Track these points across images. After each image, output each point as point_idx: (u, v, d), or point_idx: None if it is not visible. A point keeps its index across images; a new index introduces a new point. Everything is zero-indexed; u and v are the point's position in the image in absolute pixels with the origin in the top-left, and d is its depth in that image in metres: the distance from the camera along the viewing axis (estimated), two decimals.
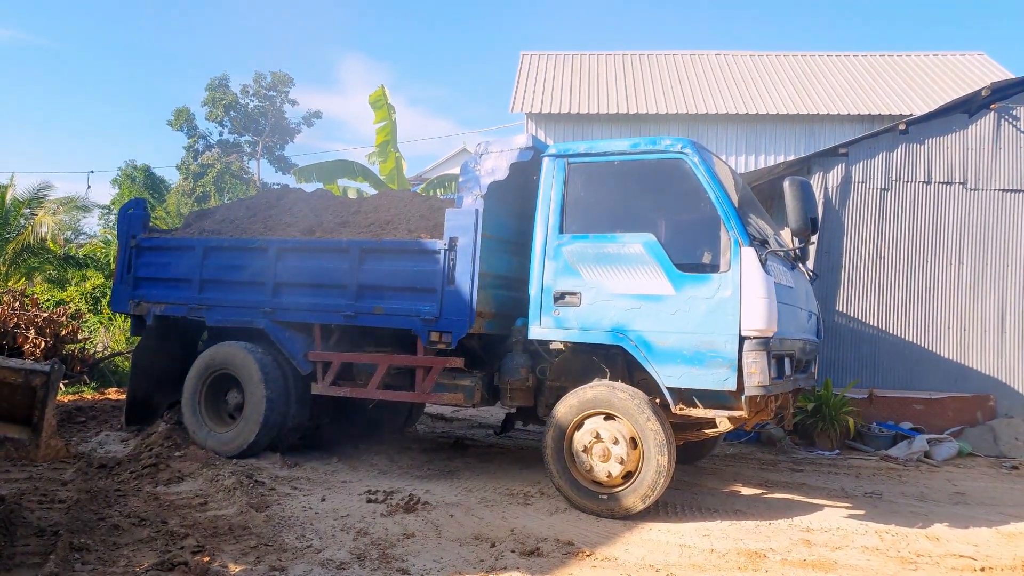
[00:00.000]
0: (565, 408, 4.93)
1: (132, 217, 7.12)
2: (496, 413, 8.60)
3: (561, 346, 5.36)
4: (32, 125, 67.92)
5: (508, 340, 5.59)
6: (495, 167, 5.38)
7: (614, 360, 5.16)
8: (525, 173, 5.58)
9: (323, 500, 4.92)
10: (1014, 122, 8.42)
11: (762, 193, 8.22)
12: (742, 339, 4.47)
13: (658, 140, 5.05)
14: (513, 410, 5.88)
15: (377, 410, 7.23)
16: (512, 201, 5.72)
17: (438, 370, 5.57)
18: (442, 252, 5.42)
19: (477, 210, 5.32)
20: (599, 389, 4.87)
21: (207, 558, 3.67)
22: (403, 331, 5.71)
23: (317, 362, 6.04)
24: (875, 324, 8.42)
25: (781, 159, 12.85)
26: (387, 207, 6.49)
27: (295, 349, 6.07)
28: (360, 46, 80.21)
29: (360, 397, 6.00)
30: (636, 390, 4.82)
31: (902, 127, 8.53)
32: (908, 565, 4.07)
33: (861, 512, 5.22)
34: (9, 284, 14.09)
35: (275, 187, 19.63)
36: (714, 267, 4.62)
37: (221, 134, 34.71)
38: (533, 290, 5.15)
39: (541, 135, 14.03)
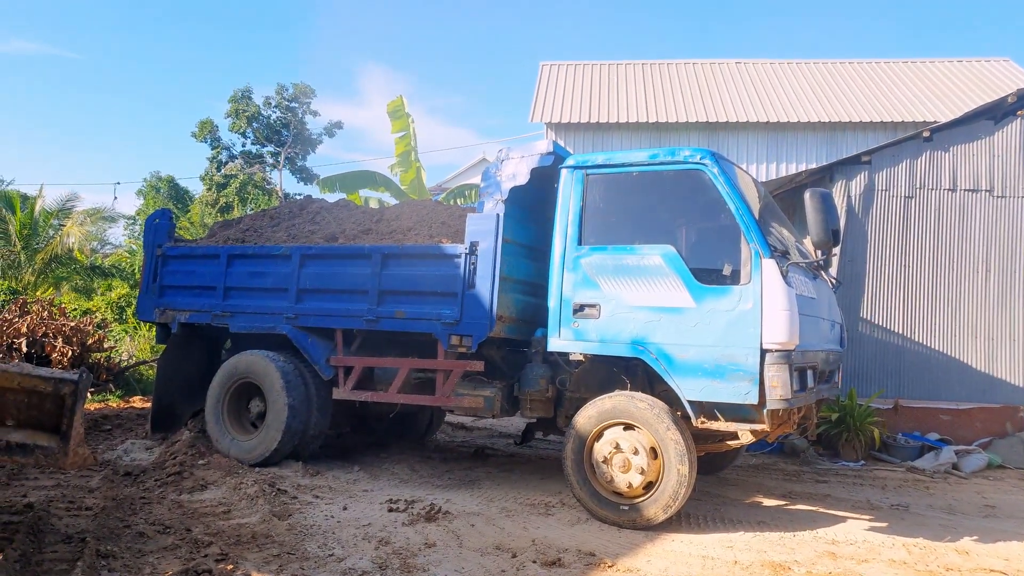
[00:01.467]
0: (584, 419, 4.92)
1: (158, 227, 7.26)
2: (516, 423, 8.60)
3: (581, 357, 5.35)
4: (60, 137, 69.39)
5: (528, 350, 5.60)
6: (516, 172, 5.42)
7: (634, 372, 5.15)
8: (546, 180, 5.60)
9: (345, 509, 4.96)
10: None
11: (784, 202, 8.16)
12: (763, 352, 4.43)
13: (677, 151, 5.04)
14: (533, 420, 5.88)
15: (398, 419, 7.27)
16: (533, 208, 5.76)
17: (458, 374, 5.61)
18: (463, 256, 5.46)
19: (498, 215, 5.36)
20: (618, 399, 4.86)
21: (231, 566, 3.71)
22: (424, 336, 5.76)
23: (339, 367, 6.11)
24: (900, 333, 8.30)
25: (803, 167, 12.74)
26: (408, 215, 6.57)
27: (317, 354, 6.14)
28: (380, 57, 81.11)
29: (381, 401, 6.04)
30: (655, 400, 4.80)
31: (926, 134, 8.43)
32: None
33: (887, 525, 5.14)
34: (38, 294, 14.39)
35: (298, 197, 19.84)
36: (735, 279, 4.59)
37: (244, 145, 35.16)
38: (552, 302, 5.16)
39: (561, 144, 14.04)
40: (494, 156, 5.68)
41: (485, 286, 5.34)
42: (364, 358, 6.08)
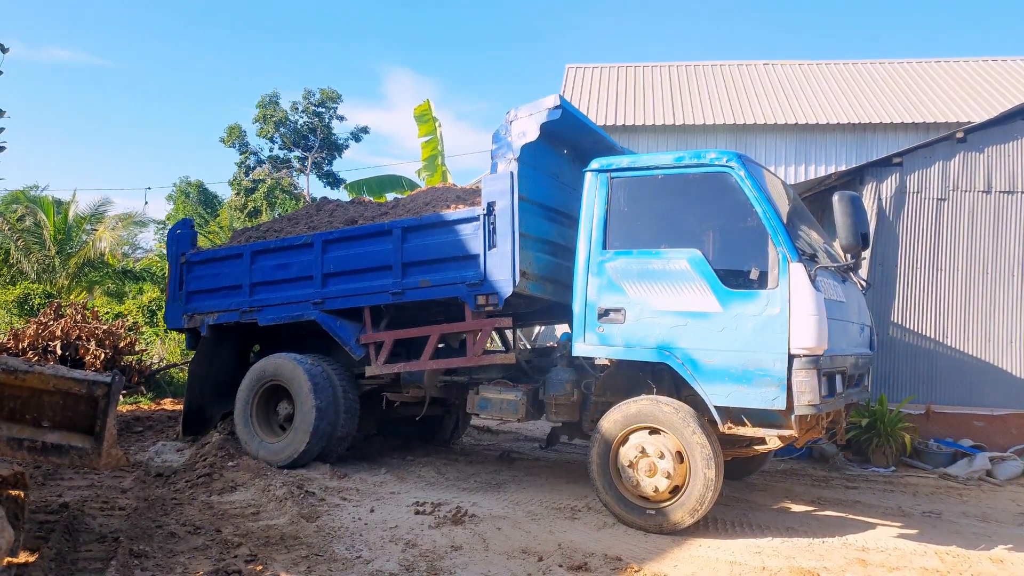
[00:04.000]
0: (610, 423, 4.90)
1: (180, 237, 7.47)
2: (542, 426, 8.59)
3: (606, 362, 5.34)
4: (93, 143, 70.94)
5: (553, 354, 5.61)
6: (525, 130, 5.43)
7: (660, 376, 5.12)
8: (557, 142, 5.68)
9: (372, 511, 5.00)
10: None
11: (814, 204, 8.05)
12: (791, 357, 4.37)
13: (703, 153, 5.01)
14: (558, 424, 5.88)
15: (424, 422, 7.31)
16: (547, 170, 5.82)
17: (488, 332, 5.67)
18: (481, 218, 5.52)
19: (512, 172, 5.39)
20: (643, 403, 4.84)
21: (260, 567, 3.77)
22: (450, 302, 5.83)
23: (369, 344, 6.18)
24: (932, 337, 8.15)
25: (832, 169, 12.57)
26: (423, 197, 6.69)
27: (347, 335, 6.24)
28: (407, 61, 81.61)
29: (414, 370, 6.10)
30: (681, 403, 4.77)
31: (960, 135, 8.27)
32: None
33: (919, 532, 5.05)
34: (71, 297, 14.71)
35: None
36: (762, 283, 4.53)
37: (271, 150, 35.68)
38: (577, 307, 5.15)
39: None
40: (504, 117, 5.67)
41: (506, 244, 5.40)
42: (393, 331, 6.15)
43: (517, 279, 5.34)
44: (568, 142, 6.13)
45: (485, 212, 5.48)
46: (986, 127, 8.35)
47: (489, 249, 5.48)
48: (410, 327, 6.19)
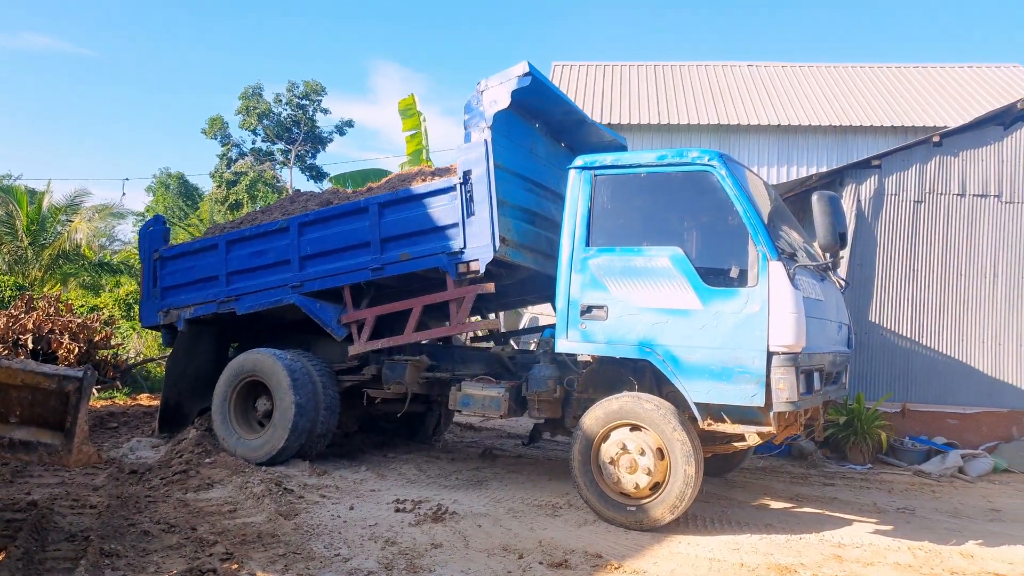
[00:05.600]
0: (591, 419, 4.91)
1: (153, 234, 7.39)
2: (524, 423, 8.59)
3: (588, 358, 5.35)
4: (69, 132, 69.76)
5: (536, 351, 5.61)
6: (496, 98, 5.45)
7: (642, 373, 5.14)
8: (529, 115, 5.75)
9: (351, 509, 4.96)
10: None
11: (795, 205, 8.13)
12: (770, 355, 4.41)
13: (685, 152, 5.03)
14: (541, 421, 5.88)
15: (406, 419, 7.28)
16: (520, 141, 5.86)
17: (471, 299, 5.66)
18: (458, 187, 5.53)
19: (486, 140, 5.41)
20: (625, 400, 4.85)
21: (236, 565, 3.72)
22: (432, 275, 5.84)
23: (351, 324, 6.16)
24: (909, 337, 8.27)
25: (814, 170, 12.70)
26: (397, 180, 6.69)
27: (328, 317, 6.23)
28: (394, 55, 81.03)
29: (398, 344, 6.10)
30: (662, 400, 4.79)
31: (936, 139, 8.39)
32: None
33: (893, 528, 5.12)
34: (44, 290, 14.44)
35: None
36: (742, 281, 4.57)
37: (254, 142, 35.35)
38: (560, 303, 5.15)
39: None
40: (475, 87, 5.67)
41: (484, 211, 5.41)
42: (375, 308, 6.13)
43: (497, 245, 5.36)
44: (540, 115, 6.17)
45: (461, 181, 5.49)
46: (961, 132, 8.49)
47: (468, 217, 5.49)
48: (392, 303, 6.18)
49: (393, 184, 6.46)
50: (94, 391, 9.28)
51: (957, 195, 8.32)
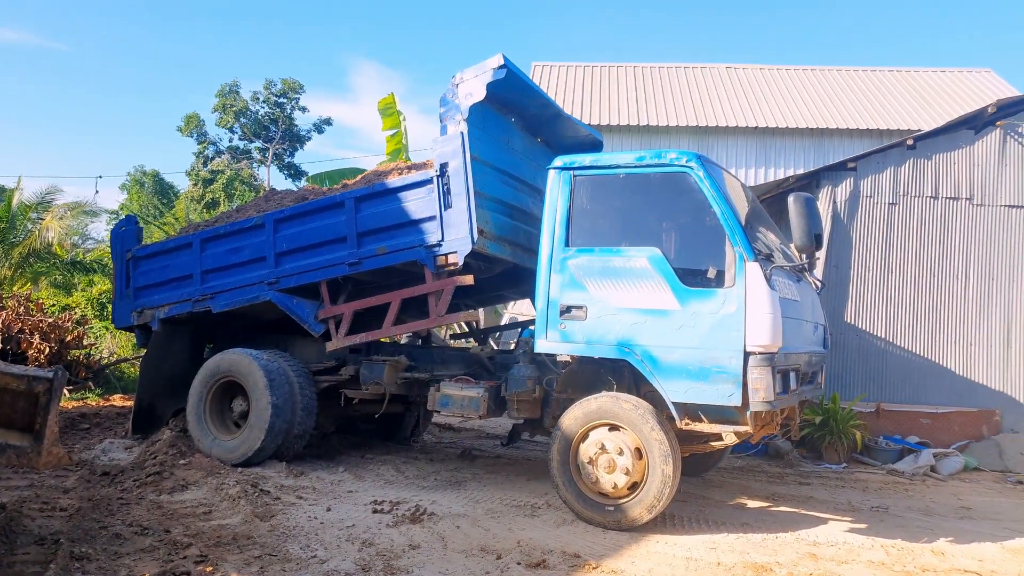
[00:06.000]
0: (570, 419, 4.92)
1: (125, 234, 7.30)
2: (503, 424, 8.58)
3: (568, 358, 5.35)
4: (41, 128, 68.48)
5: (515, 351, 5.61)
6: (472, 91, 5.44)
7: (621, 373, 5.15)
8: (505, 109, 5.79)
9: (328, 510, 4.92)
10: (1019, 139, 8.41)
11: (772, 207, 8.21)
12: (747, 355, 4.45)
13: (663, 153, 5.05)
14: (520, 421, 5.88)
15: (384, 420, 7.24)
16: (496, 135, 5.86)
17: (450, 290, 5.63)
18: (435, 180, 5.50)
19: (462, 133, 5.40)
20: (603, 400, 4.86)
21: (210, 568, 3.67)
22: (410, 269, 5.82)
23: (329, 319, 6.11)
24: (883, 338, 8.39)
25: (791, 172, 12.85)
26: (375, 173, 6.67)
27: (305, 313, 6.16)
28: (373, 54, 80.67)
29: (377, 339, 6.08)
30: (640, 400, 4.81)
31: (910, 142, 8.52)
32: None
33: (867, 526, 5.19)
34: (14, 289, 14.15)
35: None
36: (719, 282, 4.60)
37: (231, 140, 34.97)
38: (539, 303, 5.15)
39: None
40: (451, 81, 5.66)
41: (461, 203, 5.39)
42: (352, 303, 6.08)
43: (475, 236, 5.35)
44: (515, 109, 6.18)
45: (438, 174, 5.47)
46: (933, 135, 8.63)
47: (445, 210, 5.47)
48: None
49: (369, 179, 6.42)
50: (65, 392, 9.10)
51: (930, 197, 8.46)
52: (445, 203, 5.46)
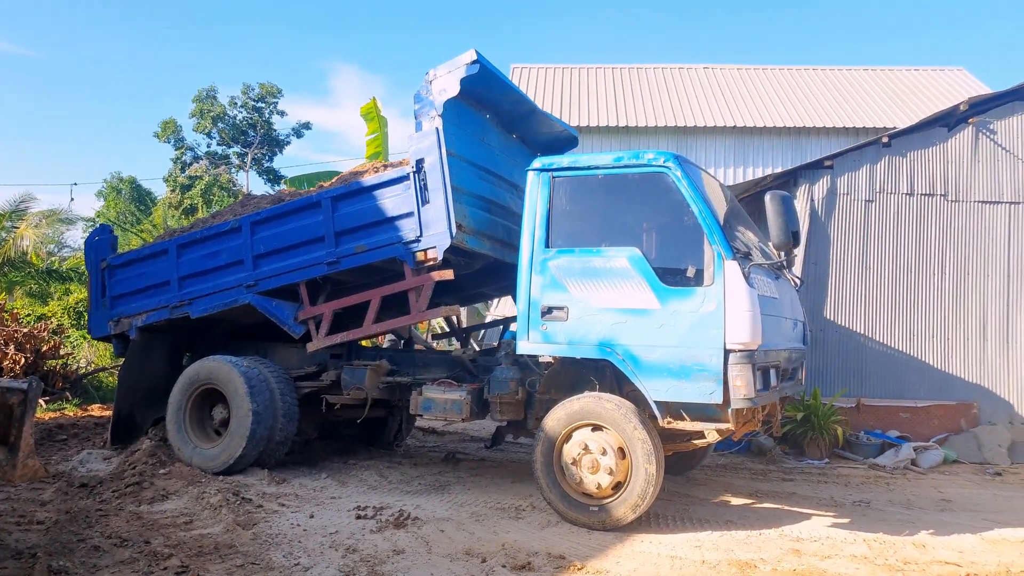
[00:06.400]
0: (553, 420, 4.92)
1: (99, 243, 7.23)
2: (487, 426, 8.57)
3: (550, 359, 5.36)
4: (14, 136, 67.35)
5: (498, 353, 5.60)
6: (446, 86, 5.45)
7: (603, 373, 5.17)
8: (481, 105, 5.83)
9: (311, 517, 4.88)
10: (991, 135, 8.55)
11: (751, 206, 8.28)
12: (727, 352, 4.48)
13: (641, 154, 5.07)
14: (503, 423, 5.87)
15: (367, 425, 7.20)
16: (472, 131, 5.88)
17: (430, 286, 5.62)
18: (411, 176, 5.51)
19: (437, 128, 5.41)
20: (586, 400, 4.87)
21: None
22: (389, 267, 5.80)
23: (308, 320, 6.07)
24: (862, 333, 8.49)
25: (769, 171, 12.96)
26: (351, 173, 6.64)
27: (284, 315, 6.13)
28: (352, 57, 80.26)
29: (358, 337, 6.06)
30: (622, 400, 4.83)
31: (885, 140, 8.64)
32: (895, 573, 4.09)
33: (850, 521, 5.24)
34: None
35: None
36: (698, 281, 4.63)
37: (209, 146, 34.64)
38: (521, 304, 5.15)
39: None
40: (424, 78, 5.65)
41: (439, 198, 5.39)
42: (332, 302, 6.05)
43: (454, 231, 5.36)
44: (490, 105, 6.19)
45: (415, 170, 5.47)
46: (908, 133, 8.75)
47: (423, 206, 5.47)
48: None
49: (346, 179, 6.41)
50: (41, 403, 8.97)
51: (906, 194, 8.58)
52: (423, 199, 5.46)
